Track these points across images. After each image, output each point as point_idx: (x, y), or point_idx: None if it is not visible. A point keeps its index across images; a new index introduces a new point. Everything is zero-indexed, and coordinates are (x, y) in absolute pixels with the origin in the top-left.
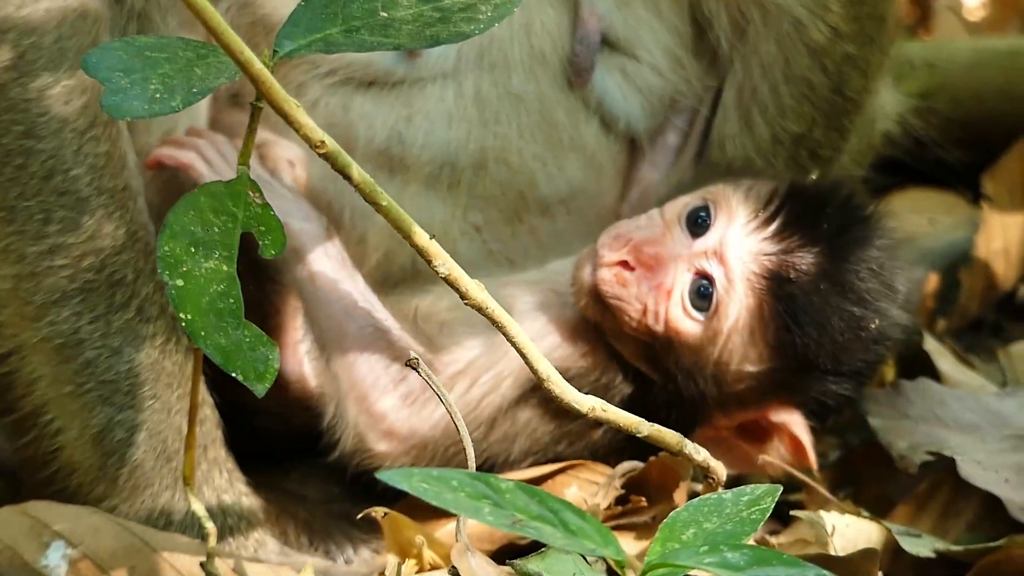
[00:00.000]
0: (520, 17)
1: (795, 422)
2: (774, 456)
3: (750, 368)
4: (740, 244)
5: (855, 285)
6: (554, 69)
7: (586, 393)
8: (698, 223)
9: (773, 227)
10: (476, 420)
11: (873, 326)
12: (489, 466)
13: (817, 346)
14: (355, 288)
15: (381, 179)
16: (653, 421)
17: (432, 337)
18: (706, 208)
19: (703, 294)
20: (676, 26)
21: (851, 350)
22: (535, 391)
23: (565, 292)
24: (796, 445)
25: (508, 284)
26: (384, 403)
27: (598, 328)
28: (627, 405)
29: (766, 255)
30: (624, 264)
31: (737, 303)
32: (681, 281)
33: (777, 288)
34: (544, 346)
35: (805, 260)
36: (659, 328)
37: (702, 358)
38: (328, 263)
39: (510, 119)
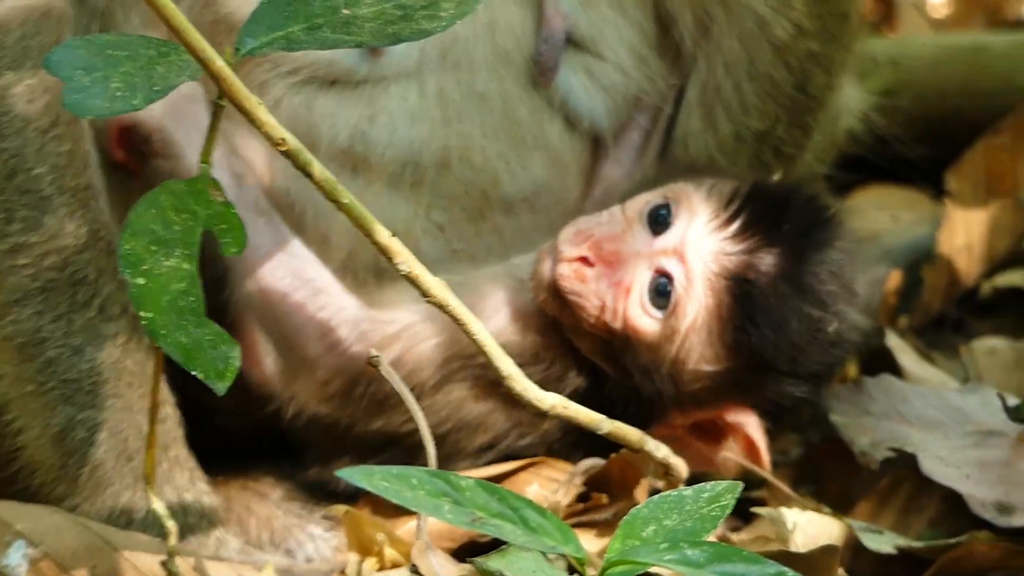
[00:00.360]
0: (484, 16)
1: (750, 423)
2: (730, 456)
3: (707, 368)
4: (701, 243)
5: (814, 287)
6: (518, 68)
7: (536, 381)
8: (659, 221)
9: (734, 227)
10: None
11: (831, 329)
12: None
13: (774, 348)
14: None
15: (344, 178)
16: (608, 417)
17: (371, 293)
18: (667, 206)
19: (662, 292)
20: (640, 24)
21: (809, 352)
22: (465, 368)
23: (524, 281)
24: (750, 446)
25: (472, 280)
26: (311, 348)
27: (557, 325)
28: (581, 399)
29: (726, 255)
30: (584, 260)
31: (696, 302)
32: (640, 279)
33: (736, 288)
34: (492, 326)
35: (765, 261)
36: (617, 325)
37: (659, 356)
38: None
39: (473, 118)
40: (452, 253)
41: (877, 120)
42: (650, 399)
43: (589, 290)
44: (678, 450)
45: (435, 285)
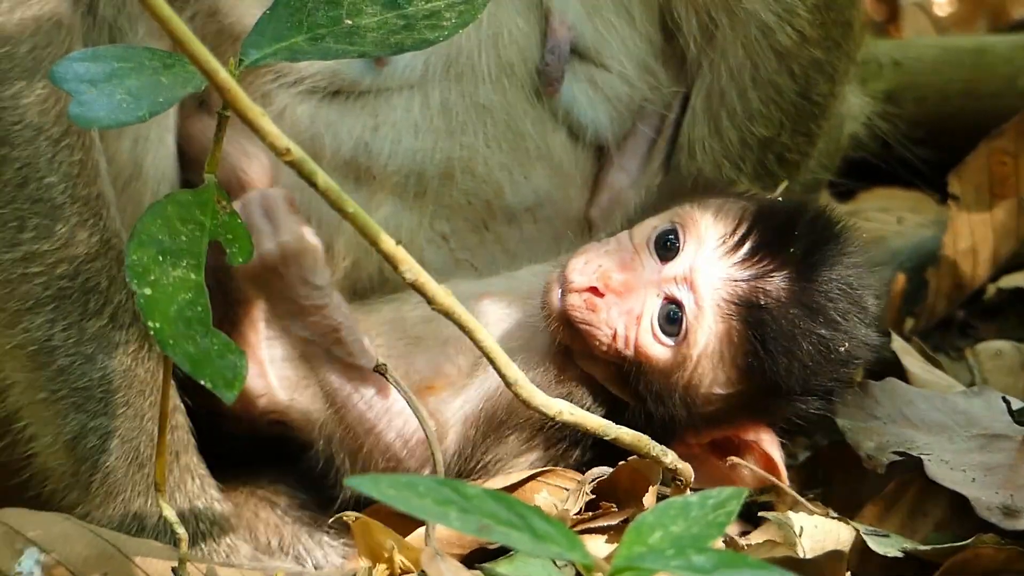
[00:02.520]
0: (488, 27)
1: (765, 439)
2: (746, 472)
3: (719, 391)
4: (710, 270)
5: (825, 307)
6: (521, 79)
7: None
8: (667, 247)
9: (742, 252)
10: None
11: (843, 348)
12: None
13: (786, 371)
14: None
15: (348, 189)
16: None
17: (405, 355)
18: (674, 231)
19: (672, 319)
20: (646, 33)
21: (820, 373)
22: (511, 414)
23: (535, 315)
24: (768, 461)
25: (479, 297)
26: (389, 438)
27: (569, 351)
28: None
29: (736, 281)
30: (594, 290)
31: (707, 329)
32: (650, 307)
33: (747, 314)
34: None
35: (775, 285)
36: (629, 352)
37: (672, 381)
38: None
39: (476, 129)
40: (456, 262)
41: (881, 124)
42: (664, 422)
43: (600, 319)
44: (695, 468)
45: (440, 293)
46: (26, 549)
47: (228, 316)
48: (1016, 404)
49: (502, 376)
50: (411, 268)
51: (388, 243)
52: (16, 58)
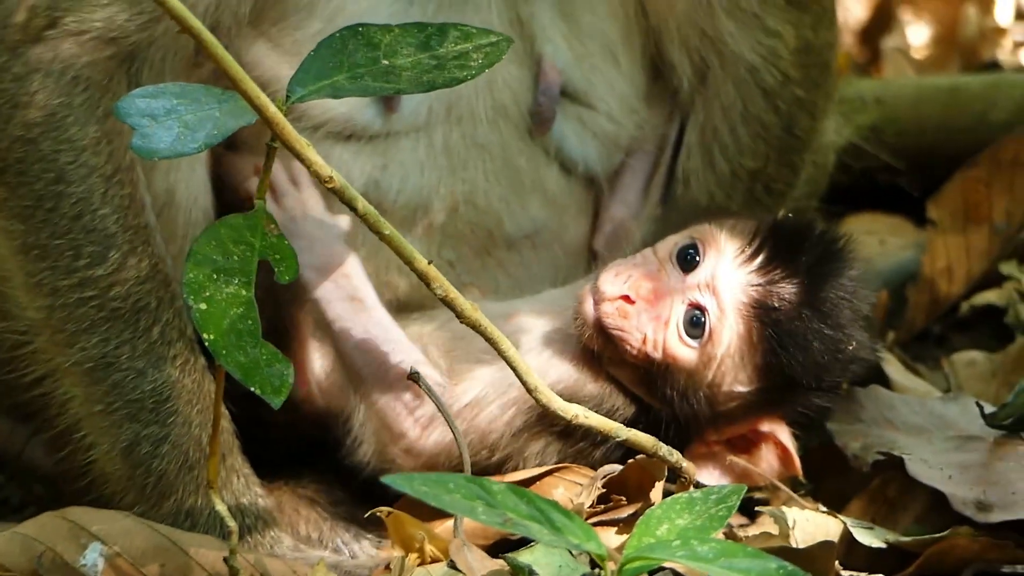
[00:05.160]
0: (484, 75)
1: (781, 432)
2: (763, 463)
3: (740, 388)
4: (730, 277)
5: (832, 312)
6: (515, 120)
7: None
8: (688, 260)
9: (758, 261)
10: (481, 444)
11: (849, 348)
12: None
13: (801, 367)
14: (380, 319)
15: (359, 223)
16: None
17: (444, 369)
18: (694, 246)
19: (696, 323)
20: (631, 76)
21: (830, 369)
22: (540, 420)
23: (566, 328)
24: (784, 452)
25: (508, 316)
26: (404, 425)
27: (599, 358)
28: (630, 425)
29: (753, 286)
30: (626, 298)
31: (729, 330)
32: (676, 312)
33: (764, 315)
34: (551, 379)
35: (788, 290)
36: (657, 355)
37: (696, 380)
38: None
39: (476, 166)
40: (462, 286)
41: (865, 154)
42: (687, 421)
43: (632, 325)
44: (714, 466)
45: (468, 307)
46: (90, 543)
47: (276, 328)
48: (989, 409)
49: (523, 383)
50: (442, 285)
51: (421, 263)
52: (72, 107)
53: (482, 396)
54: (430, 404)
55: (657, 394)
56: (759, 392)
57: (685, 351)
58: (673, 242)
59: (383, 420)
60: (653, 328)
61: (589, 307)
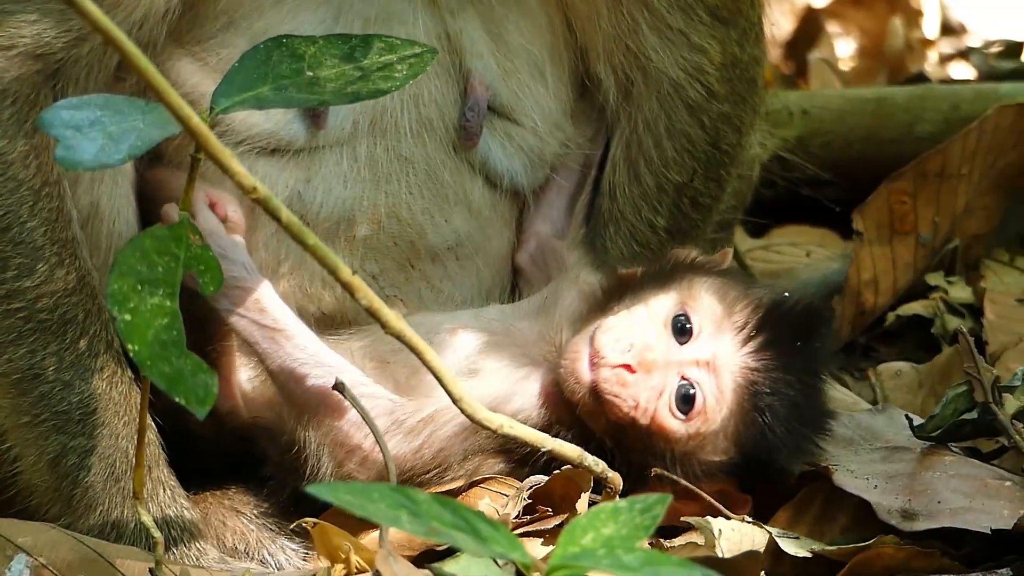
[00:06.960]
0: (410, 88)
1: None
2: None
3: (716, 458)
4: (731, 359)
5: (820, 391)
6: (440, 133)
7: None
8: (682, 330)
9: (758, 343)
10: (434, 460)
11: (829, 424)
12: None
13: (782, 443)
14: (305, 345)
15: (283, 235)
16: None
17: (400, 381)
18: (685, 315)
19: (687, 398)
20: (557, 94)
21: (808, 442)
22: (493, 440)
23: (532, 357)
24: (740, 500)
25: (451, 330)
26: (355, 439)
27: (571, 403)
28: None
29: (752, 369)
30: (626, 367)
31: (725, 410)
32: (671, 384)
33: (760, 400)
34: (513, 407)
35: (785, 377)
36: (644, 422)
37: (675, 447)
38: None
39: (400, 179)
40: (385, 299)
41: (791, 166)
42: (640, 469)
43: (628, 393)
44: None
45: (392, 317)
46: (16, 555)
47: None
48: (917, 420)
49: (448, 392)
50: (366, 295)
51: (346, 272)
52: (0, 121)
53: (436, 412)
54: (379, 416)
55: (628, 448)
56: (730, 462)
57: (674, 423)
58: (664, 306)
59: (335, 439)
60: (646, 397)
61: (584, 368)
